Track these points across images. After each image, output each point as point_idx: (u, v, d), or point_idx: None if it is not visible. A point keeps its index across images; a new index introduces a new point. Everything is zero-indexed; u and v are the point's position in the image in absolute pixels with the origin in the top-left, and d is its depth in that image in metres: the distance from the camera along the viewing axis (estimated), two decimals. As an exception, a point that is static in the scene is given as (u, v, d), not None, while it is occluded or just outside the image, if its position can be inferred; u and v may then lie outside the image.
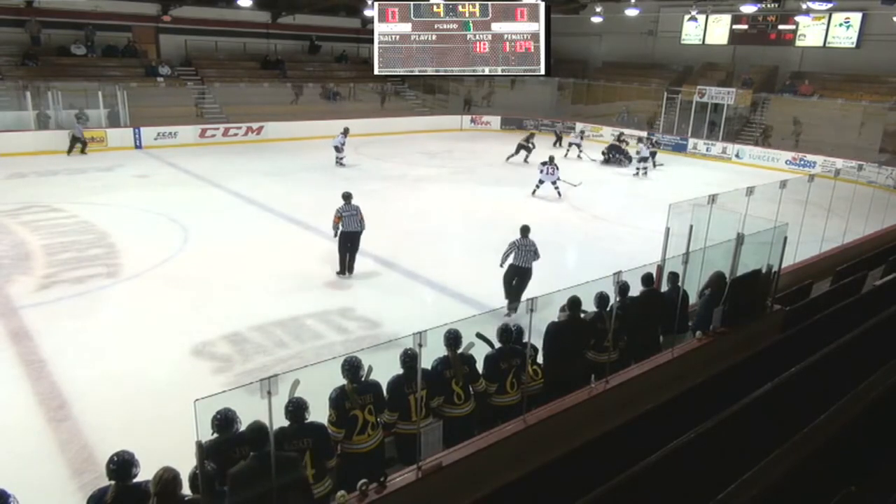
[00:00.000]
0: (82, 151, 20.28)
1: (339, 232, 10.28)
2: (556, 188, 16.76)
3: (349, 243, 10.36)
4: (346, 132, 20.10)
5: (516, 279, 9.16)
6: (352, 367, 4.50)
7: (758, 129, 25.44)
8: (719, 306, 6.38)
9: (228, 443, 3.94)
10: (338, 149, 19.74)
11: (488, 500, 3.99)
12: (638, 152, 20.69)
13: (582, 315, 5.90)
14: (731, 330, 6.44)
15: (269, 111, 25.29)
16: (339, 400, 4.44)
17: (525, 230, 9.34)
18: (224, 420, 3.94)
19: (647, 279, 6.42)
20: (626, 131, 25.14)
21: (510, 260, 9.25)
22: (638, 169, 20.43)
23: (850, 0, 23.77)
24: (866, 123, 22.69)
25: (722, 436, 4.32)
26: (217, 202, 15.18)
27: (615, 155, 22.08)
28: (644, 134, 24.41)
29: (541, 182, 16.84)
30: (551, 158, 17.24)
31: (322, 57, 31.33)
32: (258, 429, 3.61)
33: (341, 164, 19.77)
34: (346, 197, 10.57)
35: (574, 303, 5.68)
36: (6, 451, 5.74)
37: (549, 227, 14.00)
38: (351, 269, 10.49)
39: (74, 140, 20.29)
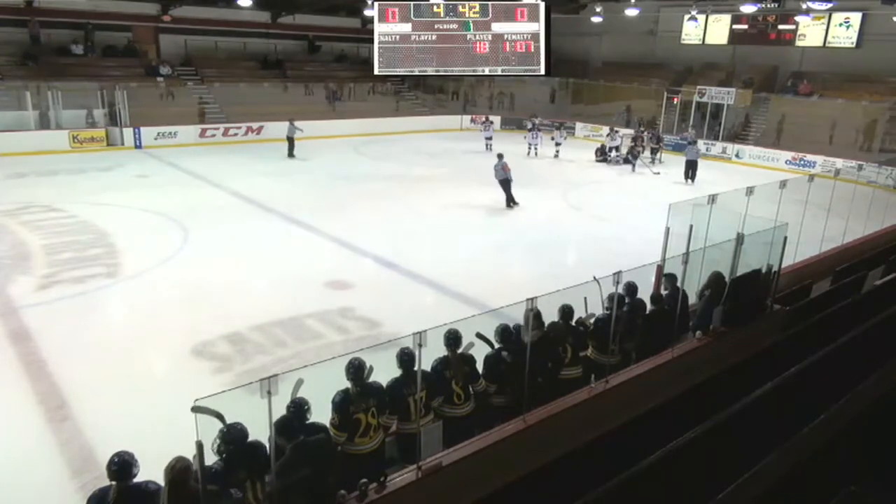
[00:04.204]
0: (290, 154, 21.17)
1: (498, 178, 15.56)
2: (535, 147, 22.84)
3: (506, 186, 15.59)
4: (490, 122, 25.37)
5: (691, 170, 19.29)
6: (356, 370, 4.45)
7: (758, 130, 25.47)
8: (719, 306, 6.38)
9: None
10: (490, 137, 24.16)
11: (488, 500, 3.99)
12: (552, 138, 23.49)
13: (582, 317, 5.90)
14: (731, 330, 6.44)
15: (269, 111, 25.29)
16: (342, 404, 4.38)
17: (693, 138, 21.79)
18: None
19: (655, 298, 6.42)
20: (625, 130, 25.17)
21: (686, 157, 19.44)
22: (557, 152, 23.09)
23: (850, 0, 23.78)
24: (865, 123, 22.70)
25: (722, 436, 4.32)
26: (217, 202, 15.18)
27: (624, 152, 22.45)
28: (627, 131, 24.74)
29: (530, 145, 22.85)
30: (534, 124, 23.41)
31: (322, 57, 31.33)
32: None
33: (490, 149, 22.53)
34: (500, 156, 15.75)
35: (537, 315, 5.23)
36: (6, 451, 5.74)
37: (548, 227, 14.04)
38: (512, 203, 15.52)
39: (291, 142, 21.16)
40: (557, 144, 23.29)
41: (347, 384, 4.46)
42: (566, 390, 5.35)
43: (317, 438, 3.95)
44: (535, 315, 5.16)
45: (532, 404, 4.95)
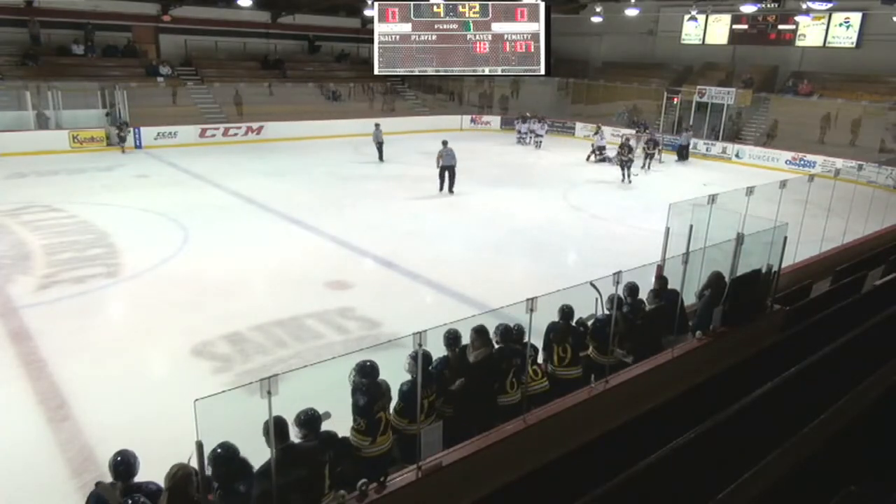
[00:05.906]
0: (380, 158, 21.28)
1: (440, 165, 16.42)
2: (525, 136, 25.82)
3: (447, 172, 16.43)
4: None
5: (684, 151, 22.54)
6: (373, 370, 4.36)
7: (759, 130, 25.47)
8: (719, 306, 6.38)
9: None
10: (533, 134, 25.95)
11: (488, 500, 3.99)
12: (533, 130, 25.55)
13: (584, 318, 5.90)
14: (731, 330, 6.43)
15: (269, 111, 25.31)
16: (367, 407, 4.27)
17: (689, 133, 24.47)
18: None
19: (654, 294, 6.43)
20: (626, 131, 25.16)
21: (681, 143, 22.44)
22: (537, 144, 25.12)
23: (850, 0, 23.77)
24: (866, 123, 22.70)
25: (722, 436, 4.32)
26: (217, 202, 15.18)
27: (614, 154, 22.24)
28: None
29: (520, 133, 25.90)
30: (525, 117, 26.15)
31: (322, 57, 31.34)
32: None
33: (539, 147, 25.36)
34: (445, 143, 16.77)
35: (480, 332, 5.09)
36: (6, 451, 5.74)
37: (548, 227, 14.04)
38: (451, 190, 16.39)
39: (380, 146, 21.26)
40: (538, 136, 25.27)
41: (348, 385, 4.43)
42: (566, 390, 5.36)
43: (307, 445, 3.82)
44: (478, 332, 5.02)
45: (474, 429, 4.76)
